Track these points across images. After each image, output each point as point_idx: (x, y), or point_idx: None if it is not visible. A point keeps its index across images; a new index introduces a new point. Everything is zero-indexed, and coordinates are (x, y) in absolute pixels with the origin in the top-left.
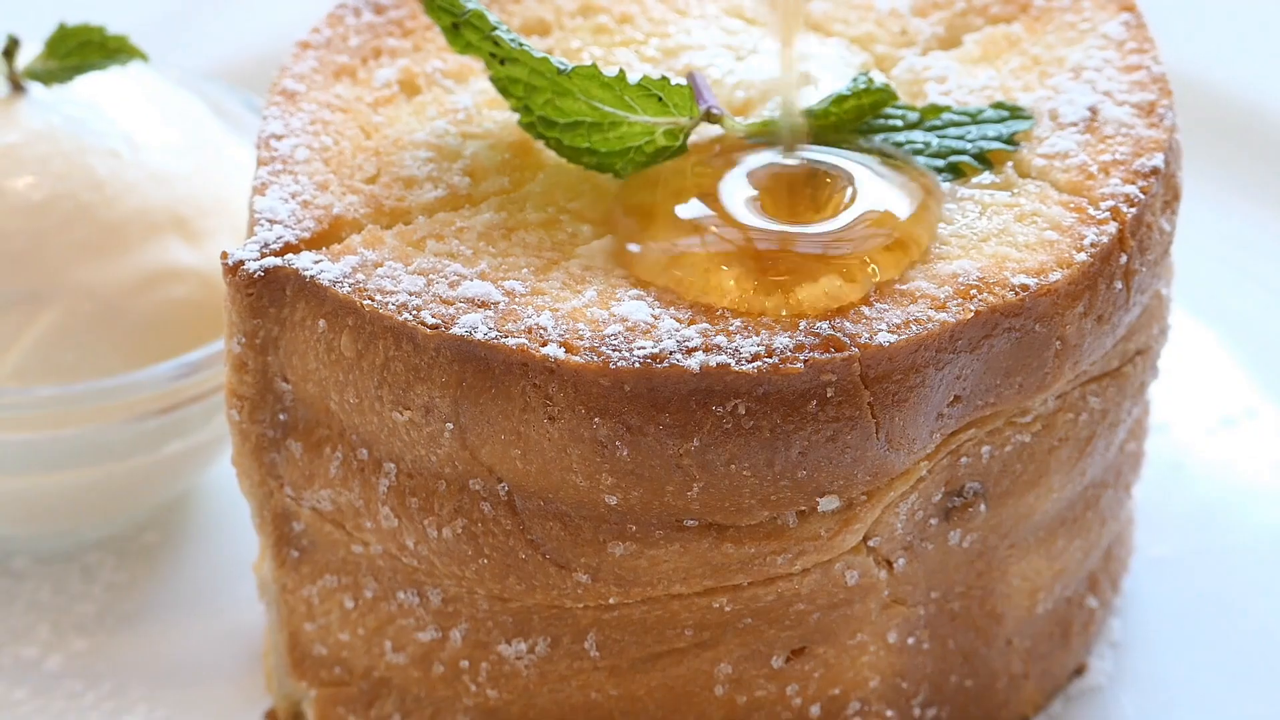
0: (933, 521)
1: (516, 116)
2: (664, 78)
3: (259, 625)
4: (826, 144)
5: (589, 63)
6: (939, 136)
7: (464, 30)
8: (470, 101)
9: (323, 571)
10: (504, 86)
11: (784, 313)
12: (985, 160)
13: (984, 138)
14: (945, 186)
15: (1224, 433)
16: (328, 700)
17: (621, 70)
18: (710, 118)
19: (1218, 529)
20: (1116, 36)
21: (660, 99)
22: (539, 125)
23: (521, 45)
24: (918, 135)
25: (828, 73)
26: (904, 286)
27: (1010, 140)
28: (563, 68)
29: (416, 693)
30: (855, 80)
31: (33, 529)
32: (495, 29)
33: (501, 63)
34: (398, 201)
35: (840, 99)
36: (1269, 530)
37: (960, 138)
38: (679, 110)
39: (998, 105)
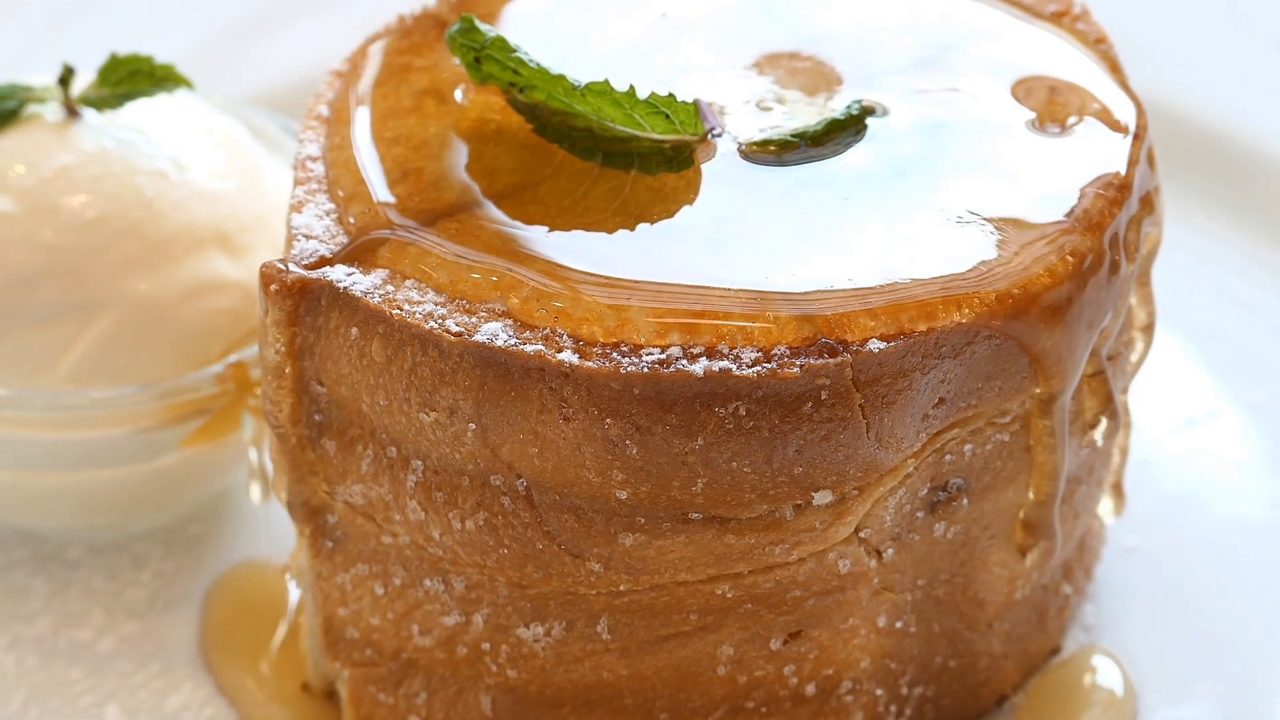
0: (919, 514)
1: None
2: (670, 95)
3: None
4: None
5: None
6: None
7: (485, 63)
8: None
9: (355, 561)
10: (521, 109)
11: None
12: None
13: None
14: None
15: (1188, 432)
16: (360, 680)
17: (632, 87)
18: (713, 137)
19: (1183, 521)
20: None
21: (668, 116)
22: (553, 137)
23: (539, 65)
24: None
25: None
26: (894, 298)
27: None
28: (577, 85)
29: (442, 673)
30: (849, 106)
31: (87, 521)
32: (515, 52)
33: (521, 91)
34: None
35: (836, 123)
36: (1230, 522)
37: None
38: (685, 128)
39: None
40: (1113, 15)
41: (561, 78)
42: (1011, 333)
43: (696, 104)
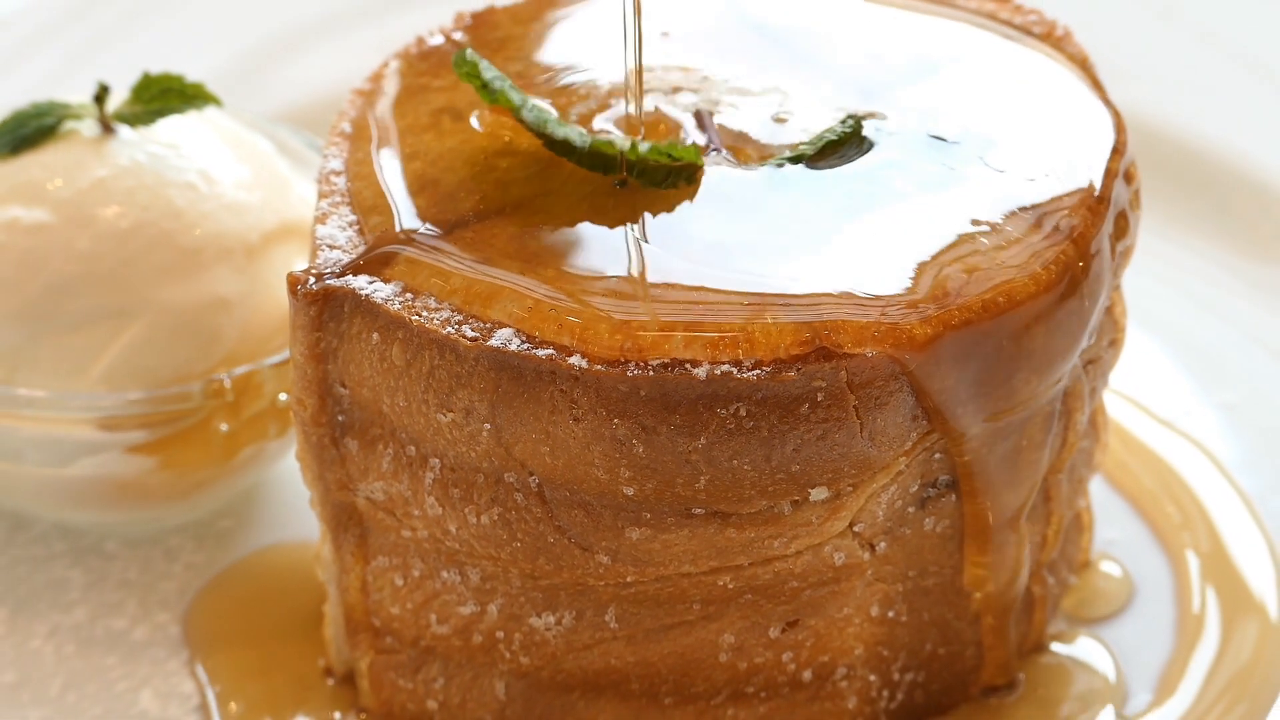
0: (910, 509)
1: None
2: (671, 142)
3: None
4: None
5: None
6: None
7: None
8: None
9: (376, 553)
10: (529, 126)
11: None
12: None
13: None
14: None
15: (1164, 432)
16: (380, 666)
17: (635, 142)
18: (714, 152)
19: (1160, 516)
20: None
21: (670, 157)
22: (562, 152)
23: (536, 111)
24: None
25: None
26: (886, 304)
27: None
28: (582, 140)
29: (458, 660)
30: (844, 123)
31: (122, 516)
32: (520, 108)
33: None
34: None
35: (831, 143)
36: (1205, 518)
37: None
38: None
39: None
40: (1095, 38)
41: (560, 122)
42: (995, 338)
43: (699, 121)
